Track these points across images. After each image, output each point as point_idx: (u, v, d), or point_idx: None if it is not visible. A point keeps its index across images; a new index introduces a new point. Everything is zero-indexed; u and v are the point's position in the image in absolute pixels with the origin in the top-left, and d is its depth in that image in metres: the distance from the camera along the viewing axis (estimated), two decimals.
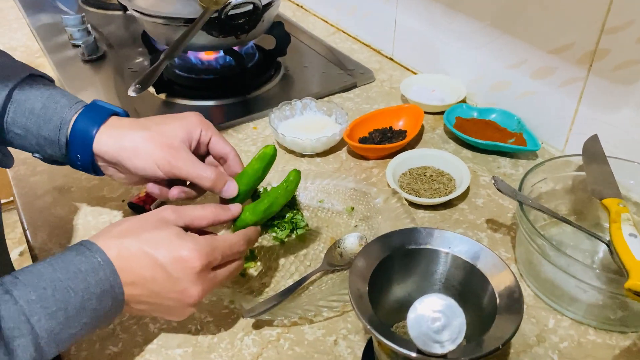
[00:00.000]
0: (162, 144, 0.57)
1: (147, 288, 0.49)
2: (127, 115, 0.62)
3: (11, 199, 0.78)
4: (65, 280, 0.45)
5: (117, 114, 0.60)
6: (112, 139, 0.58)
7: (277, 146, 0.85)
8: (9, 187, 0.81)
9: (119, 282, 0.48)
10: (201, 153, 0.62)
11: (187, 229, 0.53)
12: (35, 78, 0.60)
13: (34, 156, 0.62)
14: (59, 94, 0.59)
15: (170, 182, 0.60)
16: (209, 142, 0.61)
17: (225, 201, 0.59)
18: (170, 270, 0.49)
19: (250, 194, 0.62)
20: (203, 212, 0.54)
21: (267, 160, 0.60)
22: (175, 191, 0.60)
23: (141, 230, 0.50)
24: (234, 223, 0.58)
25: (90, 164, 0.59)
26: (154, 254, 0.49)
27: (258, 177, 0.61)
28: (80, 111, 0.58)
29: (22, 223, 0.73)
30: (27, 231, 0.71)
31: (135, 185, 0.63)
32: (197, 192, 0.61)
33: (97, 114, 0.59)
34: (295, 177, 0.60)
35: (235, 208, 0.57)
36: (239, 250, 0.54)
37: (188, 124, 0.59)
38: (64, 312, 0.44)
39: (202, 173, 0.57)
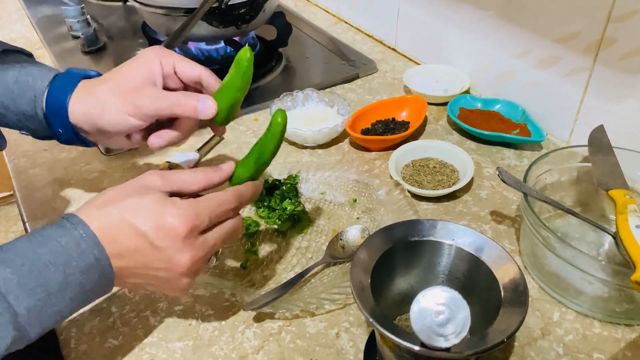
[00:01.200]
0: (123, 90, 0.54)
1: (134, 259, 0.46)
2: (99, 76, 0.59)
3: (11, 192, 0.77)
4: (44, 254, 0.43)
5: (88, 76, 0.58)
6: (81, 104, 0.56)
7: None
8: (8, 180, 0.80)
9: (105, 255, 0.45)
10: (174, 86, 0.58)
11: (179, 195, 0.49)
12: (9, 53, 0.58)
13: (22, 133, 0.61)
14: (33, 66, 0.58)
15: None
16: (175, 72, 0.57)
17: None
18: (153, 239, 0.45)
19: (234, 109, 0.57)
20: (193, 176, 0.50)
21: (245, 66, 0.54)
22: (152, 139, 0.57)
23: (123, 197, 0.47)
24: (230, 184, 0.54)
25: (74, 136, 0.58)
26: (134, 223, 0.45)
27: (238, 88, 0.55)
28: (51, 80, 0.56)
29: (21, 216, 0.73)
30: (27, 224, 0.71)
31: (132, 147, 0.60)
32: (180, 130, 0.58)
33: (68, 81, 0.56)
34: (280, 116, 0.53)
35: (228, 167, 0.53)
36: (230, 207, 0.50)
37: (145, 60, 0.56)
38: (44, 289, 0.42)
39: (171, 100, 0.54)
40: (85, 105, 0.56)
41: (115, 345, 0.55)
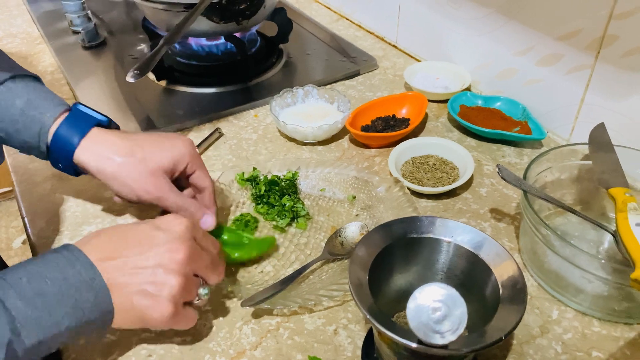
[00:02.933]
0: (142, 172, 0.57)
1: (122, 253, 0.48)
2: (109, 123, 0.61)
3: (11, 188, 0.77)
4: (41, 271, 0.44)
5: (100, 123, 0.60)
6: (93, 157, 0.57)
7: (278, 134, 0.85)
8: (7, 175, 0.80)
9: (98, 274, 0.46)
10: (181, 184, 0.63)
11: None
12: (17, 79, 0.59)
13: (21, 152, 0.62)
14: (41, 98, 0.58)
15: None
16: (192, 174, 0.62)
17: None
18: (153, 225, 0.50)
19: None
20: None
21: (267, 248, 0.63)
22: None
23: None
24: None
25: (72, 170, 0.60)
26: (129, 226, 0.50)
27: (251, 257, 0.62)
28: (61, 119, 0.58)
29: (20, 210, 0.73)
30: (26, 219, 0.71)
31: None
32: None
33: (79, 124, 0.58)
34: (274, 241, 0.64)
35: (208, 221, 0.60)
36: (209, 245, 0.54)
37: (177, 155, 0.59)
38: (41, 299, 0.43)
39: (182, 205, 0.59)
40: (97, 163, 0.58)
41: (113, 340, 0.55)
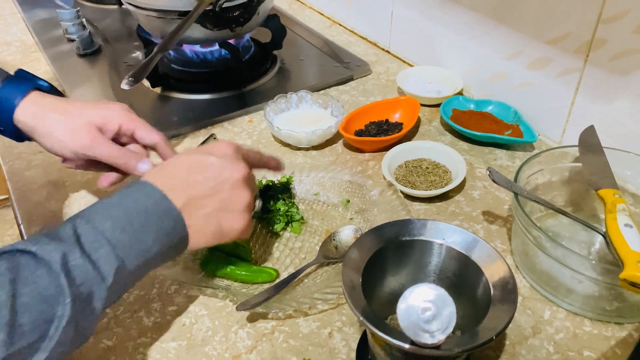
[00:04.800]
0: (75, 128, 0.59)
1: (198, 176, 0.52)
2: (50, 89, 0.63)
3: (7, 196, 0.78)
4: (124, 205, 0.48)
5: (39, 87, 0.62)
6: (30, 117, 0.60)
7: (272, 139, 0.85)
8: (3, 182, 0.80)
9: (172, 203, 0.50)
10: (124, 142, 0.64)
11: None
12: None
13: None
14: None
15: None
16: (133, 135, 0.63)
17: None
18: (205, 155, 0.54)
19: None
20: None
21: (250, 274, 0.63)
22: (104, 182, 0.63)
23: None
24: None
25: (14, 133, 0.61)
26: (186, 157, 0.55)
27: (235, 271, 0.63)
28: (3, 83, 0.60)
29: (16, 218, 0.73)
30: (22, 226, 0.71)
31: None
32: (122, 173, 0.63)
33: (19, 86, 0.60)
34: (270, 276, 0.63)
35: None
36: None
37: (109, 113, 0.61)
38: (130, 227, 0.47)
39: (117, 154, 0.60)
40: (34, 120, 0.60)
41: (109, 345, 0.56)
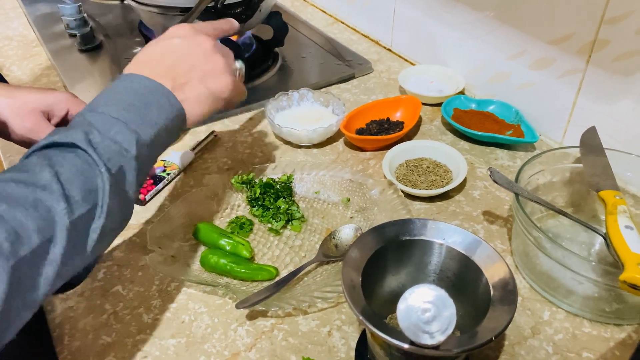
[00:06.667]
0: (20, 112, 0.60)
1: (172, 59, 0.54)
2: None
3: None
4: (119, 90, 0.51)
5: None
6: None
7: (273, 137, 0.85)
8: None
9: (158, 83, 0.52)
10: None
11: None
12: None
13: None
14: None
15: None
16: None
17: None
18: (173, 35, 0.56)
19: None
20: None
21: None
22: None
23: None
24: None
25: None
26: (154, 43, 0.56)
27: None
28: None
29: None
30: None
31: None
32: None
33: None
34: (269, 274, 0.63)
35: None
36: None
37: (54, 98, 0.62)
38: (132, 107, 0.49)
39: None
40: None
41: (109, 342, 0.56)
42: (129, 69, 0.54)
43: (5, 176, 0.43)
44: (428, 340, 0.38)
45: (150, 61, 0.54)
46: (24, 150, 0.68)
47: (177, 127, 0.54)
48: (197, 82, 0.55)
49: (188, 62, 0.55)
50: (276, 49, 1.06)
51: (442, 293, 0.38)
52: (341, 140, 0.85)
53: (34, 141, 0.61)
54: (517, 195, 0.60)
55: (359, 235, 0.64)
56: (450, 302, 0.38)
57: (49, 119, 0.62)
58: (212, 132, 0.85)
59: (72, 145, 0.45)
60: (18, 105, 0.61)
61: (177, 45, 0.55)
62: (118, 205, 0.46)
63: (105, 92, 0.51)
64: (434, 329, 0.38)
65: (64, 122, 0.63)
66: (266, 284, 0.60)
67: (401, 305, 0.39)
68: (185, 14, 0.84)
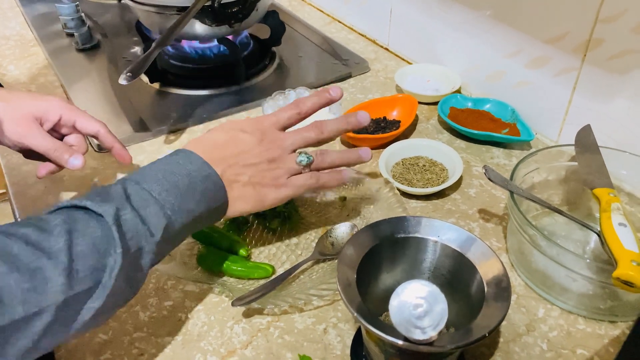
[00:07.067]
0: (13, 117, 0.61)
1: (230, 150, 0.55)
2: None
3: (4, 190, 0.78)
4: (168, 168, 0.51)
5: None
6: None
7: None
8: (0, 176, 0.80)
9: (213, 170, 0.53)
10: (66, 133, 0.66)
11: None
12: None
13: None
14: None
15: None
16: (74, 125, 0.65)
17: None
18: (240, 128, 0.57)
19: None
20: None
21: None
22: (42, 171, 0.65)
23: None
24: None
25: None
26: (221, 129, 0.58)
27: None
28: None
29: (13, 212, 0.73)
30: (19, 220, 0.71)
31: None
32: (58, 165, 0.64)
33: None
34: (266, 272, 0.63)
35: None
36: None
37: (48, 105, 0.63)
38: (176, 190, 0.50)
39: (51, 145, 0.61)
40: None
41: (105, 340, 0.56)
42: (192, 145, 0.55)
43: (22, 231, 0.42)
44: (420, 336, 0.38)
45: (211, 144, 0.56)
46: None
47: (213, 217, 0.54)
48: (248, 183, 0.55)
49: (246, 161, 0.55)
50: (273, 48, 1.06)
51: (434, 288, 0.39)
52: (337, 138, 0.85)
53: (25, 146, 0.62)
54: (512, 193, 0.60)
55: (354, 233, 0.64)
56: (442, 297, 0.38)
57: (41, 124, 0.63)
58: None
59: (101, 216, 0.45)
60: (11, 110, 0.61)
61: (242, 140, 0.56)
62: (123, 287, 0.46)
63: (158, 164, 0.52)
64: (425, 324, 0.38)
65: (56, 128, 0.64)
66: (262, 281, 0.61)
67: (394, 301, 0.39)
68: (182, 13, 0.84)
